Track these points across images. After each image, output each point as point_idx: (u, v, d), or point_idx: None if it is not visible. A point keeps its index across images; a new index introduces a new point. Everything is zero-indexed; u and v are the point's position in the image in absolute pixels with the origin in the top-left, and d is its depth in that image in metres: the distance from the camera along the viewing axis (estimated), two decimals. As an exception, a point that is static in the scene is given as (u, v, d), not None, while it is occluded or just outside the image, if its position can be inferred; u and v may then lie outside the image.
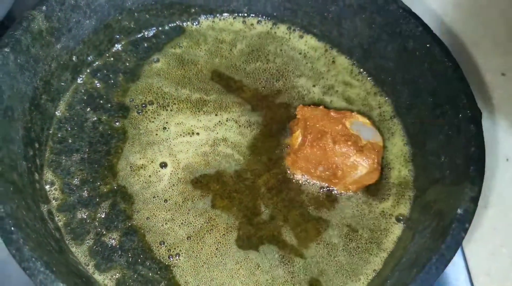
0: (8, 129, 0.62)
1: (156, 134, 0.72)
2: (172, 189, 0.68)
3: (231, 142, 0.72)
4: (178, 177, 0.69)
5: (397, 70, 0.73)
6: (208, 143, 0.72)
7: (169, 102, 0.75)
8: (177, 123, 0.73)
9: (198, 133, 0.72)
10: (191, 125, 0.73)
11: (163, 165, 0.70)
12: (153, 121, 0.73)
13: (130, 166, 0.69)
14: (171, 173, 0.69)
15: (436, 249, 0.55)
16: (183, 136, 0.72)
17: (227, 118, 0.74)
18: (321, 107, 0.71)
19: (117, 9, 0.76)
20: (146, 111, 0.74)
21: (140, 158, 0.70)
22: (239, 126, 0.73)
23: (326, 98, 0.76)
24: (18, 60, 0.64)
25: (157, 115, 0.73)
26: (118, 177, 0.69)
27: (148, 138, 0.72)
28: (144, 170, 0.69)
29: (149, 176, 0.69)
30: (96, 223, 0.65)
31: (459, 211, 0.57)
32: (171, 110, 0.74)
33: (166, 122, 0.73)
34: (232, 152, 0.71)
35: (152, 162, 0.70)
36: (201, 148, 0.71)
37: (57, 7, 0.69)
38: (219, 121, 0.73)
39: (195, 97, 0.75)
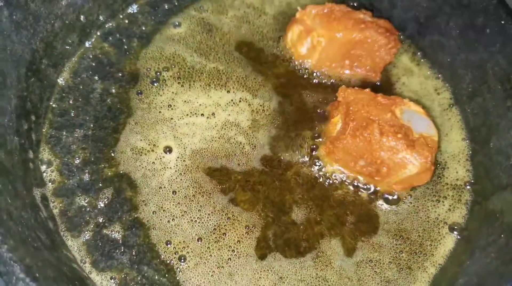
0: (-4, 98, 0.55)
1: (160, 112, 0.63)
2: (181, 179, 0.60)
3: (247, 125, 0.63)
4: (186, 165, 0.60)
5: (460, 50, 0.65)
6: (218, 125, 0.63)
7: (183, 74, 0.66)
8: (185, 101, 0.64)
9: (204, 114, 0.63)
10: (200, 104, 0.64)
11: (168, 150, 0.61)
12: (161, 95, 0.64)
13: (131, 149, 0.61)
14: (177, 160, 0.61)
15: (509, 275, 0.46)
16: (190, 117, 0.63)
17: (240, 98, 0.65)
18: (367, 90, 0.61)
19: (134, -38, 0.67)
20: (158, 81, 0.65)
21: (141, 140, 0.62)
22: (256, 107, 0.64)
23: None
24: (14, 17, 0.57)
25: (167, 86, 0.65)
26: (121, 160, 0.61)
27: (151, 115, 0.63)
28: (146, 154, 0.61)
29: (153, 162, 0.61)
30: (97, 212, 0.58)
31: (537, 229, 0.47)
32: (182, 85, 0.65)
33: (173, 99, 0.64)
34: (249, 136, 0.63)
35: (154, 145, 0.61)
36: (208, 131, 0.63)
37: (62, -46, 0.60)
38: (232, 100, 0.65)
39: (210, 69, 0.67)
